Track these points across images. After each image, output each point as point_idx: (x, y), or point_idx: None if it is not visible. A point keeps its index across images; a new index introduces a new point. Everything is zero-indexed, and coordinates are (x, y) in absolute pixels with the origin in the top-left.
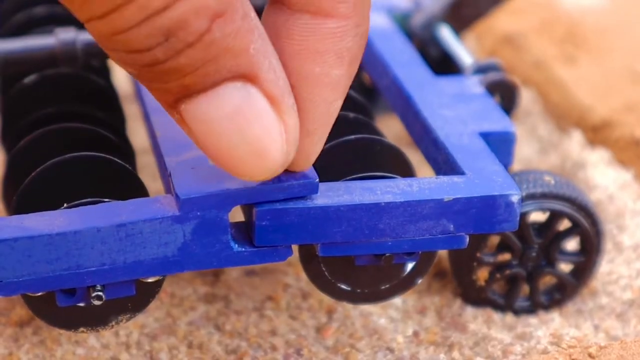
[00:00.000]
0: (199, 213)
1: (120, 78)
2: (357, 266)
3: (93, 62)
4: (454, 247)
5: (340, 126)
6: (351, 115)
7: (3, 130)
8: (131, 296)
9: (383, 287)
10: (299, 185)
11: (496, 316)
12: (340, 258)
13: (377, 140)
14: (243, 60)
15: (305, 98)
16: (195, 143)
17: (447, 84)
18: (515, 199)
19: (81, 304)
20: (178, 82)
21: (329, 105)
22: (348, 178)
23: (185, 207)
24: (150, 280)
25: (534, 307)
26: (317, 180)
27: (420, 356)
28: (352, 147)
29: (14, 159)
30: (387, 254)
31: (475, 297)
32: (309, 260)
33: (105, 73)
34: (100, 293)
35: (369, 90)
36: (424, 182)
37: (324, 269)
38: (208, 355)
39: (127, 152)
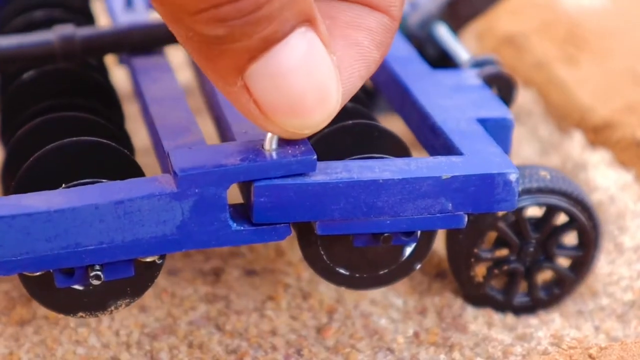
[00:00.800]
0: (197, 190)
1: (119, 78)
2: (355, 250)
3: (91, 59)
4: (452, 227)
5: (338, 115)
6: (349, 104)
7: (2, 126)
8: (129, 279)
9: (382, 272)
10: (297, 162)
11: (496, 317)
12: (339, 241)
13: (374, 125)
14: (306, 3)
15: (340, 60)
16: (253, 114)
17: (444, 76)
18: (513, 177)
19: (79, 288)
20: (258, 36)
21: (358, 79)
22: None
23: (184, 184)
24: (148, 259)
25: (533, 302)
26: (315, 157)
27: (420, 357)
28: (350, 132)
29: (12, 148)
30: (386, 234)
31: (474, 293)
32: (307, 245)
33: (103, 72)
34: (99, 273)
35: (369, 93)
36: (422, 161)
37: (322, 252)
38: (208, 355)
39: (125, 142)
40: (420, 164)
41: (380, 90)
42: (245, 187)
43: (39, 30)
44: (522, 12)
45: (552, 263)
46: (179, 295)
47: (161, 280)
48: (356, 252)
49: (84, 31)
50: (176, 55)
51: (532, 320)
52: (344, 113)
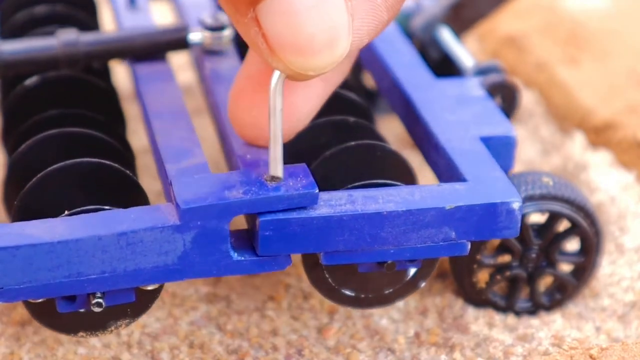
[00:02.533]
0: (199, 223)
1: (121, 79)
2: (360, 273)
3: (94, 64)
4: (455, 254)
5: (341, 131)
6: (352, 119)
7: (4, 132)
8: (131, 302)
9: (387, 292)
10: (299, 196)
11: (497, 317)
12: (344, 265)
13: (378, 145)
14: None
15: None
16: (259, 47)
17: (447, 86)
18: (516, 205)
19: (81, 310)
20: None
21: (366, 34)
22: (350, 186)
23: (186, 216)
24: (150, 288)
25: (535, 308)
26: (317, 190)
27: (421, 357)
28: (354, 153)
29: (14, 163)
30: (389, 262)
31: (476, 299)
32: (312, 267)
33: (105, 75)
34: (100, 300)
35: (370, 93)
36: (426, 190)
37: (327, 275)
38: (209, 355)
39: (127, 155)
40: (424, 194)
41: (382, 95)
42: (251, 218)
43: (40, 27)
44: (523, 13)
45: (554, 269)
46: (180, 295)
47: None
48: (361, 275)
49: (86, 37)
50: (177, 57)
51: (533, 320)
52: (347, 128)
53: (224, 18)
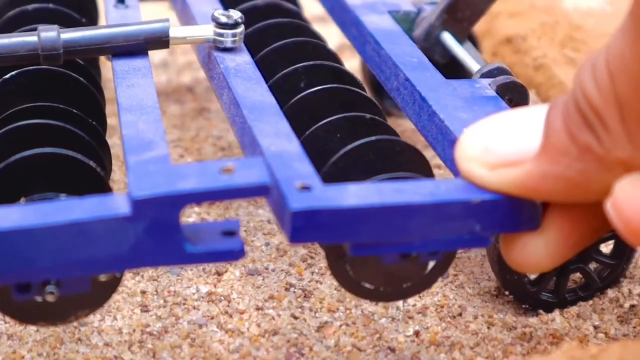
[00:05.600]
0: (150, 213)
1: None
2: (381, 266)
3: (77, 59)
4: (479, 247)
5: (358, 127)
6: (368, 116)
7: None
8: (88, 292)
9: (405, 285)
10: (249, 187)
11: (497, 316)
12: (366, 259)
13: (396, 140)
14: None
15: None
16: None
17: (459, 86)
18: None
19: (38, 299)
20: None
21: None
22: (373, 179)
23: (137, 206)
24: (103, 279)
25: (556, 301)
26: (268, 182)
27: (421, 356)
28: (374, 148)
29: None
30: (414, 254)
31: (517, 291)
32: (335, 260)
33: (88, 70)
34: (53, 289)
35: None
36: (451, 184)
37: (349, 268)
38: (210, 354)
39: (98, 147)
40: (450, 187)
41: (391, 95)
42: (278, 204)
43: (31, 25)
44: (522, 14)
45: (586, 266)
46: (181, 294)
47: (164, 279)
48: (381, 268)
49: (67, 34)
50: (178, 58)
51: (532, 319)
52: (364, 125)
53: (236, 15)
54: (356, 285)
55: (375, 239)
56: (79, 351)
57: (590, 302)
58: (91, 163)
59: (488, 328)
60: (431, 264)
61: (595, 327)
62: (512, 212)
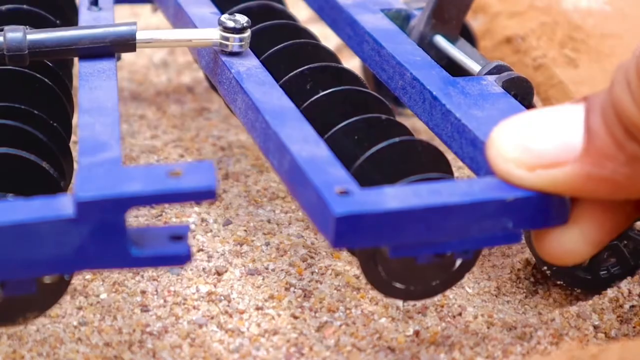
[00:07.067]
0: (95, 215)
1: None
2: (414, 266)
3: (44, 60)
4: (510, 243)
5: (375, 128)
6: (384, 117)
7: None
8: (35, 294)
9: (434, 283)
10: (195, 191)
11: (496, 316)
12: (400, 259)
13: (418, 141)
14: None
15: None
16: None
17: (467, 84)
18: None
19: None
20: None
21: None
22: (405, 180)
23: (82, 209)
24: (48, 281)
25: (592, 280)
26: (215, 187)
27: (421, 356)
28: (397, 148)
29: None
30: (449, 253)
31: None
32: (366, 261)
33: (57, 73)
34: None
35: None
36: (483, 183)
37: (380, 269)
38: (210, 354)
39: (58, 151)
40: (483, 186)
41: (396, 94)
42: (316, 209)
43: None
44: (521, 14)
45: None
46: (181, 294)
47: (164, 279)
48: (412, 268)
49: (33, 35)
50: (178, 57)
51: (532, 319)
52: (380, 125)
53: (243, 19)
54: (387, 285)
55: (414, 240)
56: (79, 351)
57: (590, 302)
58: (44, 164)
59: (488, 328)
60: (459, 261)
61: (595, 327)
62: (544, 207)
